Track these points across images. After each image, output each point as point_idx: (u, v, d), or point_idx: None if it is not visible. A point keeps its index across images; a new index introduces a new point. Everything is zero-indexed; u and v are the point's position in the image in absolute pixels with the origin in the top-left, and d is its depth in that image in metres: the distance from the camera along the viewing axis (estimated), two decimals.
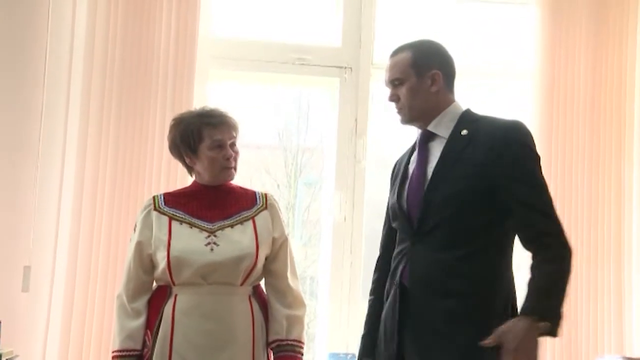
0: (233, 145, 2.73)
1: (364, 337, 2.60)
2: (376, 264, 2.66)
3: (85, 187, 3.68)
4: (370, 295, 2.63)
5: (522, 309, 2.28)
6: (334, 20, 4.14)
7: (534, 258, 2.34)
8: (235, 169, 2.74)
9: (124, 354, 2.62)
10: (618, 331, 3.86)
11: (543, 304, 2.27)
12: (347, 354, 3.82)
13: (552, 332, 2.26)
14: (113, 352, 2.65)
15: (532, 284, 2.30)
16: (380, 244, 2.66)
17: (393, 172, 2.66)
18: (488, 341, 2.24)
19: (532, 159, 2.39)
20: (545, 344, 3.76)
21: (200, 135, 2.69)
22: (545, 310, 2.25)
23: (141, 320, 2.65)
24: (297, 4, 4.21)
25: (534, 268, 2.33)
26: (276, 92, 4.45)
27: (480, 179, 2.36)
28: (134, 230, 2.73)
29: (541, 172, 2.41)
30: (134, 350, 2.63)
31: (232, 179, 2.76)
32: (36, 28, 3.74)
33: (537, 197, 2.35)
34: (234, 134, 2.73)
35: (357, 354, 3.77)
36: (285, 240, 2.76)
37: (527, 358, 2.21)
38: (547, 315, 2.25)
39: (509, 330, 2.23)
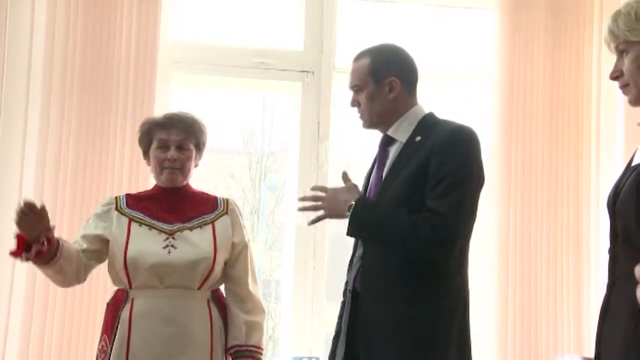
0: (181, 147, 2.68)
1: (334, 339, 2.60)
2: (348, 267, 2.66)
3: (45, 191, 3.64)
4: (343, 297, 2.63)
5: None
6: (296, 25, 4.14)
7: None
8: (181, 171, 2.69)
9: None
10: (577, 332, 3.90)
11: (368, 206, 2.39)
12: (310, 358, 3.82)
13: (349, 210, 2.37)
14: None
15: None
16: (353, 248, 2.66)
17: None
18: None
19: (458, 163, 2.36)
20: (505, 344, 3.85)
21: (150, 137, 2.71)
22: (363, 208, 2.37)
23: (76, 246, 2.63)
24: (258, 9, 4.20)
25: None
26: (239, 96, 4.45)
27: (420, 181, 2.38)
28: (88, 220, 2.73)
29: (467, 176, 2.38)
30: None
31: (176, 183, 2.71)
32: None
33: (443, 199, 2.33)
34: (184, 136, 2.69)
35: (320, 358, 3.82)
36: (245, 246, 2.76)
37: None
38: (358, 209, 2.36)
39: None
